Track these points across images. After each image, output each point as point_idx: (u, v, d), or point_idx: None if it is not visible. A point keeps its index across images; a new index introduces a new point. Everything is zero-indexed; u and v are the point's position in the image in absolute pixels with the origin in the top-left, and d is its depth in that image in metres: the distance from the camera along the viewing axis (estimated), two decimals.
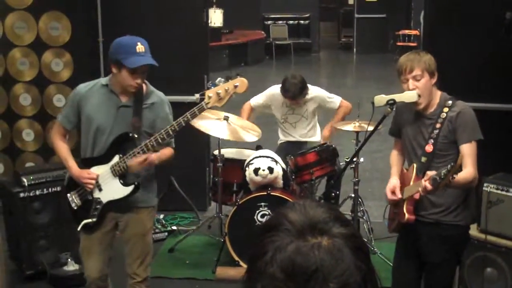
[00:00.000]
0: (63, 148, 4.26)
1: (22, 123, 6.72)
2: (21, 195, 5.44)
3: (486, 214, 4.65)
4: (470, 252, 4.74)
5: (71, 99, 4.23)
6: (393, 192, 4.00)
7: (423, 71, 3.82)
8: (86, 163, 4.18)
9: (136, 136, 4.06)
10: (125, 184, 4.13)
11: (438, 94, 3.96)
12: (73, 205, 4.25)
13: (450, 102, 3.92)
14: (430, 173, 3.64)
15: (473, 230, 4.76)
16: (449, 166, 3.51)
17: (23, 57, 6.64)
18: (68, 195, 4.27)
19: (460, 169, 3.47)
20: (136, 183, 4.14)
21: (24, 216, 5.46)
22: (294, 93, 6.09)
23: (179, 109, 6.50)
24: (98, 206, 4.16)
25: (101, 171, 4.13)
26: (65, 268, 5.48)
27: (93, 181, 4.11)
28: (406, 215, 3.90)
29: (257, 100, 6.44)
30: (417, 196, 3.87)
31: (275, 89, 6.37)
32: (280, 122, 6.52)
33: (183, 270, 5.80)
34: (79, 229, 4.17)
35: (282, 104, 6.34)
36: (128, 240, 4.34)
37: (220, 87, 3.93)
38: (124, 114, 4.10)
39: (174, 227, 6.63)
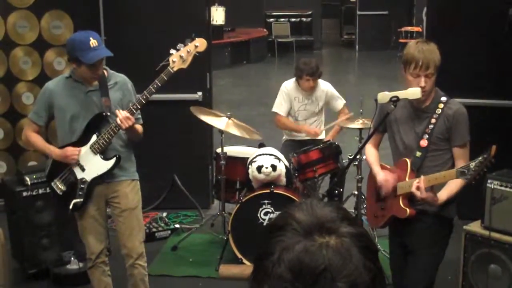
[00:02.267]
0: (38, 139, 4.51)
1: (25, 122, 6.69)
2: (24, 194, 5.45)
3: (490, 211, 4.64)
4: (474, 249, 4.74)
5: (40, 96, 4.49)
6: (386, 181, 4.01)
7: (435, 68, 3.80)
8: None
9: (109, 114, 4.33)
10: (106, 158, 4.39)
11: (433, 89, 3.94)
12: (58, 191, 4.46)
13: (444, 98, 3.91)
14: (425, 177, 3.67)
15: (477, 227, 4.76)
16: (480, 158, 3.49)
17: (26, 56, 6.64)
18: (52, 183, 4.49)
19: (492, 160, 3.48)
20: (117, 155, 4.41)
21: (26, 215, 5.46)
22: (312, 68, 6.21)
23: (181, 107, 6.56)
24: (83, 186, 4.40)
25: (81, 152, 4.37)
26: (68, 266, 5.48)
27: (77, 153, 4.33)
28: (408, 211, 3.90)
29: (282, 106, 6.43)
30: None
31: (287, 85, 6.47)
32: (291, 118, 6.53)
33: (186, 268, 5.80)
34: (70, 208, 4.41)
35: (294, 99, 6.40)
36: (119, 217, 4.55)
37: (182, 50, 4.21)
38: (93, 98, 4.36)
39: (177, 225, 6.62)
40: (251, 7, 19.25)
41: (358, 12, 20.43)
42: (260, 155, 5.72)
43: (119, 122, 4.16)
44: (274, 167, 5.59)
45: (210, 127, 6.93)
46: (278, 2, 20.28)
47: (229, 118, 5.89)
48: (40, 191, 5.48)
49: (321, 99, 6.40)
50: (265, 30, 19.61)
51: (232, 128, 5.87)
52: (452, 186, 3.80)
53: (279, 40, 19.68)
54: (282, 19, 20.55)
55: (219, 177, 6.05)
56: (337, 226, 1.18)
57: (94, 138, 4.35)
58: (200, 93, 6.89)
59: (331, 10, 22.97)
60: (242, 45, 18.01)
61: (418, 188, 3.71)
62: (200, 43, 4.25)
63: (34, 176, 5.51)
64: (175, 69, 4.21)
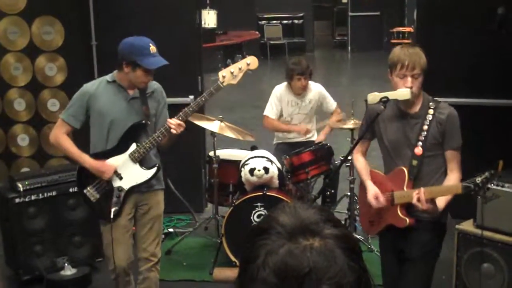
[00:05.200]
0: (72, 145, 4.42)
1: (17, 128, 6.69)
2: (17, 200, 5.42)
3: (482, 210, 4.64)
4: (467, 248, 4.75)
5: (79, 98, 4.40)
6: (376, 199, 4.00)
7: (421, 70, 3.80)
8: (99, 157, 4.36)
9: (149, 122, 4.37)
10: (147, 167, 4.39)
11: (421, 93, 3.94)
12: (92, 199, 4.42)
13: (433, 103, 3.91)
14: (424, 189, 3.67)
15: (469, 226, 4.78)
16: (487, 173, 3.50)
17: (17, 62, 6.62)
18: (85, 191, 4.43)
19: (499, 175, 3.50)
20: (157, 164, 4.44)
21: (19, 222, 5.44)
22: (303, 67, 6.20)
23: (173, 110, 6.54)
24: (120, 194, 4.37)
25: (119, 161, 4.33)
26: (62, 272, 5.46)
27: (112, 172, 4.31)
28: (408, 220, 3.89)
29: (272, 109, 6.40)
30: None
31: (278, 89, 6.44)
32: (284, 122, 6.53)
33: (181, 272, 5.80)
34: (112, 216, 4.31)
35: (287, 103, 6.37)
36: (147, 223, 4.57)
37: (233, 66, 4.27)
38: (134, 105, 4.36)
39: (171, 229, 6.62)
40: (243, 10, 19.25)
41: (350, 14, 20.49)
42: (252, 157, 5.73)
43: (172, 128, 4.18)
44: (266, 170, 5.59)
45: (202, 130, 6.93)
46: (270, 4, 20.29)
47: (221, 122, 5.88)
48: (33, 198, 5.46)
49: (314, 102, 6.39)
50: (257, 32, 19.64)
51: (224, 131, 5.87)
52: (455, 182, 3.79)
53: (271, 42, 19.71)
54: (274, 22, 20.57)
55: (212, 181, 6.06)
56: (320, 228, 1.19)
57: (133, 146, 4.32)
58: (192, 97, 6.89)
59: (323, 11, 23.02)
60: (235, 48, 18.00)
61: (418, 200, 3.70)
62: (251, 61, 4.32)
63: (26, 183, 5.49)
64: (224, 84, 4.26)
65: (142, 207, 4.53)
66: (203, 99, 4.31)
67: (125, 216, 4.44)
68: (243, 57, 4.35)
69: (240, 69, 4.27)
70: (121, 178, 4.35)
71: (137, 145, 4.32)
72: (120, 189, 4.36)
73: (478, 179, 3.51)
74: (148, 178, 4.40)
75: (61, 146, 4.46)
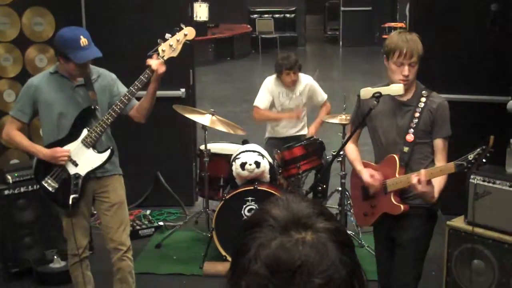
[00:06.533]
0: (23, 138, 4.46)
1: (6, 119, 6.64)
2: (6, 192, 5.40)
3: (473, 206, 4.65)
4: (458, 244, 4.75)
5: (25, 93, 4.45)
6: (373, 177, 3.99)
7: (418, 58, 3.79)
8: (52, 147, 4.36)
9: (97, 107, 4.36)
10: (100, 151, 4.40)
11: (414, 81, 3.93)
12: (50, 189, 4.40)
13: (425, 91, 3.92)
14: (424, 171, 3.66)
15: (460, 222, 4.78)
16: (479, 149, 3.51)
17: (7, 53, 6.56)
18: (42, 182, 4.42)
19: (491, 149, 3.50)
20: (111, 147, 4.44)
21: (8, 214, 5.42)
22: (291, 62, 6.19)
23: (164, 104, 6.53)
24: (78, 181, 4.37)
25: (72, 148, 4.34)
26: (51, 265, 5.44)
27: (67, 155, 4.31)
28: (402, 207, 3.90)
29: (262, 100, 6.38)
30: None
31: (269, 80, 6.43)
32: None
33: (170, 266, 5.78)
34: (70, 204, 4.31)
35: (278, 94, 6.36)
36: (107, 211, 4.55)
37: (171, 39, 4.29)
38: (80, 93, 4.38)
39: (161, 223, 6.60)
40: (235, 3, 19.26)
41: (342, 8, 20.51)
42: (243, 151, 5.71)
43: (155, 67, 4.20)
44: (257, 164, 5.58)
45: (193, 124, 6.91)
46: None
47: (213, 115, 5.86)
48: (22, 189, 5.44)
49: (304, 94, 6.38)
50: (248, 26, 19.61)
51: (216, 124, 5.85)
52: (440, 180, 3.80)
53: (263, 36, 19.68)
54: (266, 15, 20.55)
55: (203, 174, 6.04)
56: (313, 221, 1.18)
57: (85, 132, 4.33)
58: (183, 90, 6.87)
59: (315, 6, 23.01)
60: (226, 42, 17.99)
61: (419, 181, 3.67)
62: (189, 32, 4.32)
63: (16, 174, 5.47)
64: (165, 58, 4.27)
65: (100, 195, 4.53)
66: (146, 75, 4.25)
67: (82, 203, 4.44)
68: (180, 29, 4.31)
69: (178, 41, 4.29)
70: (76, 165, 4.36)
71: (88, 130, 4.33)
72: (77, 175, 4.36)
73: (470, 156, 3.52)
74: (103, 161, 4.40)
75: (13, 141, 4.53)
